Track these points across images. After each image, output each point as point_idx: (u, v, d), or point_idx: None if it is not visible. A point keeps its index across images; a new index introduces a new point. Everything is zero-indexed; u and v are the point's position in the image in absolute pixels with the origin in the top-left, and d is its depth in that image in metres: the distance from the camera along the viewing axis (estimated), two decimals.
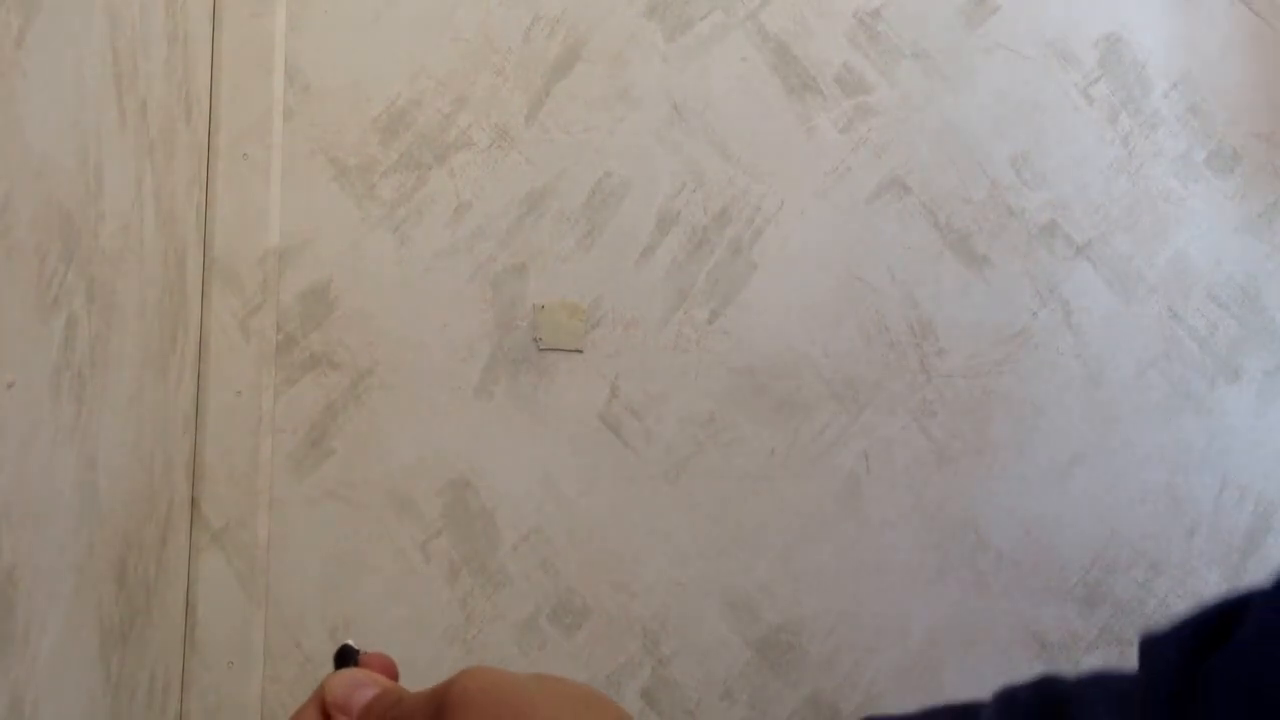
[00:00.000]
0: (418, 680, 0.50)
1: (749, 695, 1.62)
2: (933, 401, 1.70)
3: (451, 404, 1.62)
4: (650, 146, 1.67)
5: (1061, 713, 0.40)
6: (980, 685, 1.57)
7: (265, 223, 1.59)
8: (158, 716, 1.40)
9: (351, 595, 1.58)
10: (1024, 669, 1.67)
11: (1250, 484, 1.78)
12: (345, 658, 0.52)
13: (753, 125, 1.70)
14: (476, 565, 1.60)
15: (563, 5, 1.67)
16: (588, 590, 1.61)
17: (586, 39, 1.67)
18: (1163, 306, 1.76)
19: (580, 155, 1.66)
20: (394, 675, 0.51)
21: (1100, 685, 0.40)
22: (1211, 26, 1.83)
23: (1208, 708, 0.35)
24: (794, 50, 1.72)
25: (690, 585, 1.64)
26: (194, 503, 1.53)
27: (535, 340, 1.62)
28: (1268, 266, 1.80)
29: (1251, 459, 1.78)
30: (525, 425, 1.62)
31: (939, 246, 1.72)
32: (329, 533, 1.59)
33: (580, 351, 1.63)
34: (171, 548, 1.45)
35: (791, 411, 1.67)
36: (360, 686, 0.48)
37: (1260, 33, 1.84)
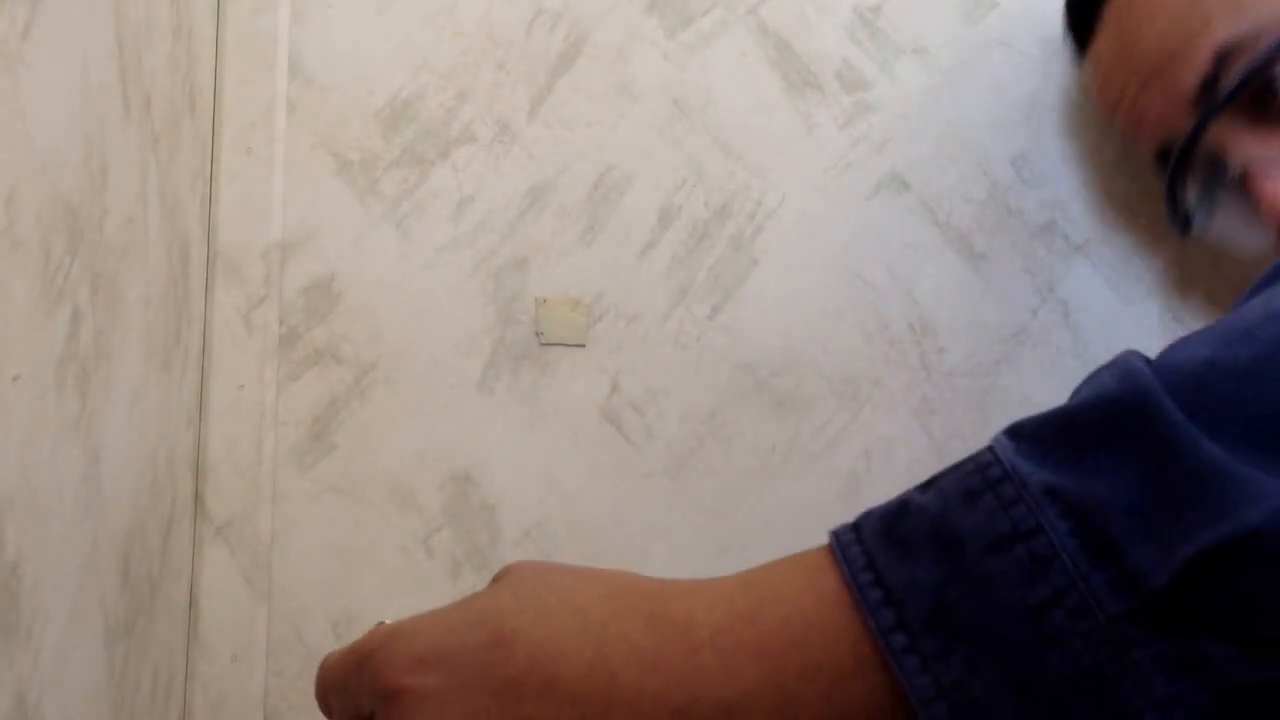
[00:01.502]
0: None
1: None
2: (932, 399, 1.71)
3: (453, 398, 1.62)
4: (651, 142, 1.68)
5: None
6: None
7: (268, 217, 1.59)
8: (161, 710, 1.41)
9: (354, 590, 1.59)
10: None
11: None
12: None
13: (753, 121, 1.71)
14: (478, 560, 1.61)
15: (565, 0, 1.67)
16: None
17: (588, 34, 1.68)
18: (1162, 307, 1.77)
19: (582, 150, 1.66)
20: None
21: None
22: None
23: (1160, 355, 0.46)
24: (794, 46, 1.72)
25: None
26: (197, 497, 1.53)
27: (537, 335, 1.63)
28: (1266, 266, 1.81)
29: None
30: (527, 420, 1.63)
31: (939, 244, 1.73)
32: (332, 527, 1.59)
33: (582, 346, 1.63)
34: (175, 542, 1.45)
35: (792, 408, 1.67)
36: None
37: None
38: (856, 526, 0.47)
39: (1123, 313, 1.80)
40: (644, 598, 0.48)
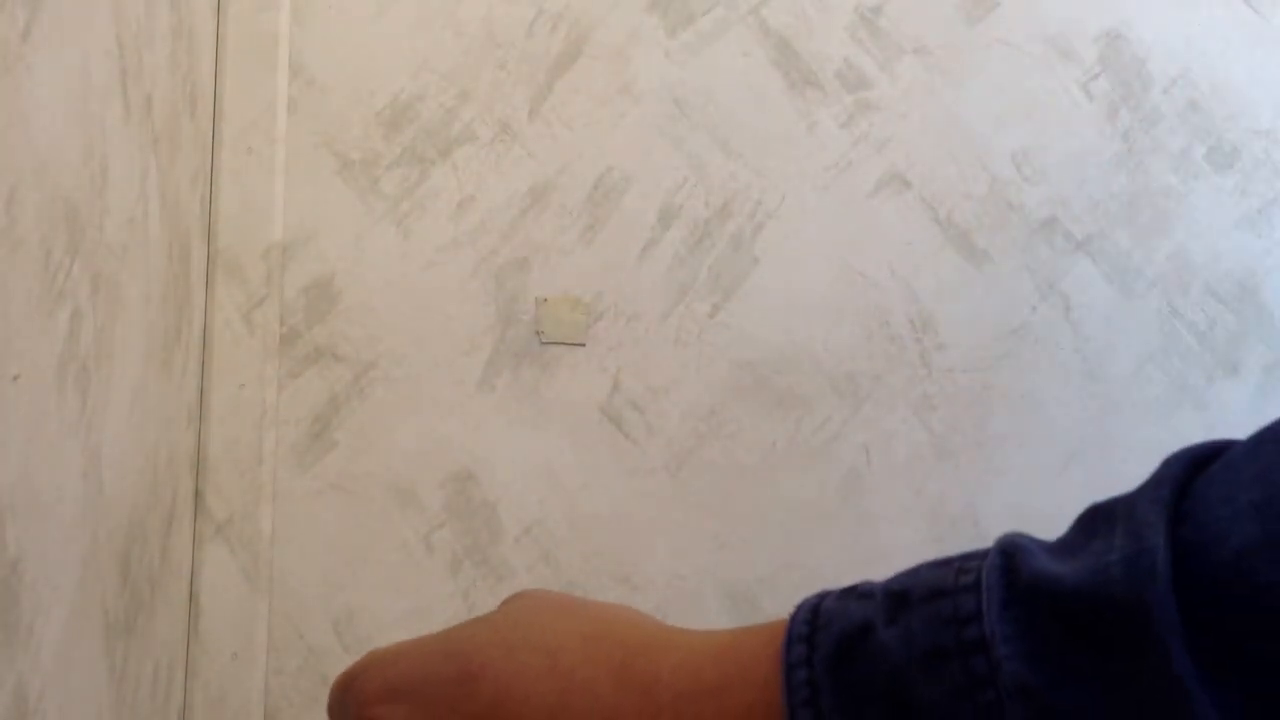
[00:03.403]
0: None
1: None
2: (933, 395, 1.71)
3: (454, 397, 1.62)
4: (652, 141, 1.68)
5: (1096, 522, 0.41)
6: None
7: (269, 217, 1.59)
8: (161, 707, 1.41)
9: (354, 587, 1.59)
10: None
11: None
12: None
13: (754, 120, 1.71)
14: (479, 557, 1.61)
15: (565, 0, 1.68)
16: (589, 582, 1.62)
17: (589, 34, 1.68)
18: (1162, 302, 1.77)
19: (583, 150, 1.66)
20: None
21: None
22: (1211, 23, 1.84)
23: (1197, 501, 0.37)
24: (795, 45, 1.72)
25: (691, 578, 1.65)
26: (198, 495, 1.53)
27: (537, 334, 1.63)
28: (1266, 262, 1.81)
29: None
30: (527, 418, 1.63)
31: (939, 241, 1.73)
32: (332, 525, 1.59)
33: (582, 345, 1.64)
34: (175, 540, 1.46)
35: (792, 405, 1.67)
36: None
37: (1259, 29, 1.85)
38: (810, 640, 0.43)
39: (1124, 309, 1.80)
40: (618, 646, 0.47)
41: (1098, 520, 0.41)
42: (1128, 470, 1.76)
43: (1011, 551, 0.40)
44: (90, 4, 1.10)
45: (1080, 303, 1.74)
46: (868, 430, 1.68)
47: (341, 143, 1.63)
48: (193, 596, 1.52)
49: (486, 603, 1.62)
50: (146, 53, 1.27)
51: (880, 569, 1.82)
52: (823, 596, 0.44)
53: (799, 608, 0.44)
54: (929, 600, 0.40)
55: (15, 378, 0.95)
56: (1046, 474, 1.74)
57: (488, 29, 1.66)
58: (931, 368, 1.71)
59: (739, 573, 1.66)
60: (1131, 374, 1.75)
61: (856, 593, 0.44)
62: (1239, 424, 1.80)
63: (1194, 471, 0.39)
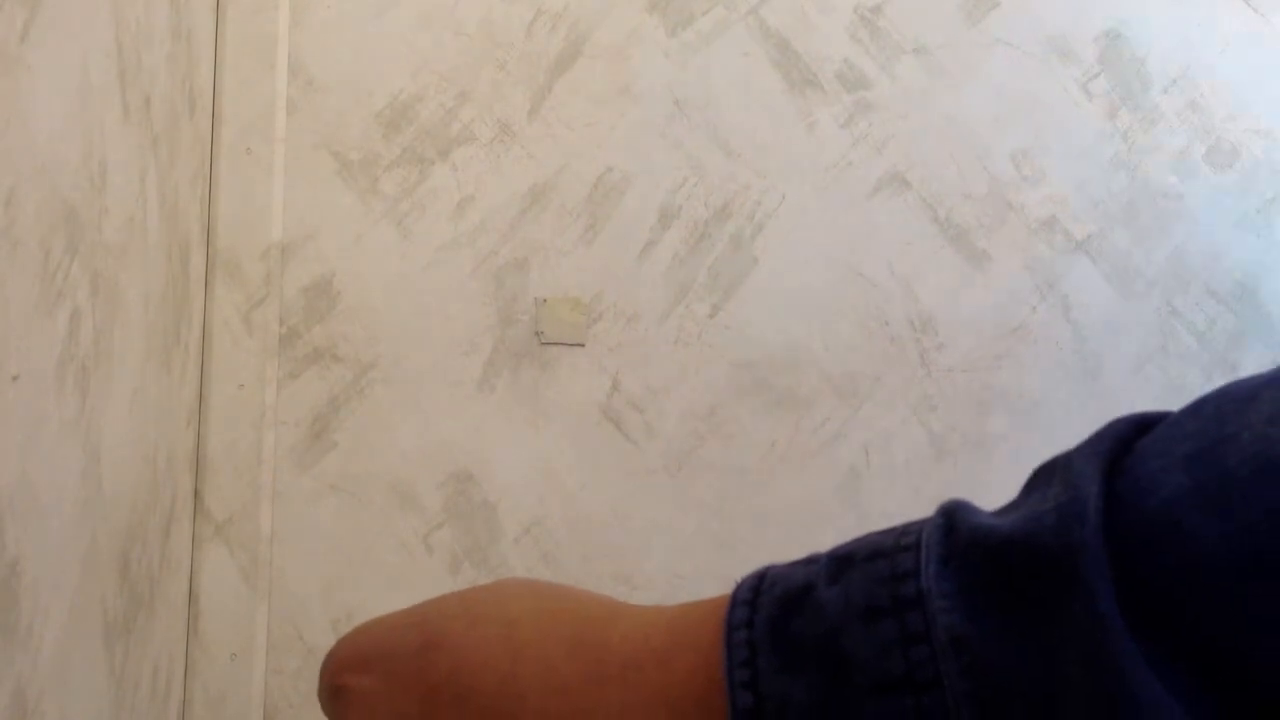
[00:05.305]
0: None
1: None
2: (932, 395, 1.71)
3: (454, 397, 1.62)
4: (652, 141, 1.68)
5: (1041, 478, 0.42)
6: None
7: (268, 217, 1.59)
8: (160, 708, 1.41)
9: (354, 587, 1.59)
10: None
11: None
12: None
13: (754, 120, 1.71)
14: (479, 557, 1.61)
15: (565, 1, 1.68)
16: (589, 583, 1.62)
17: (588, 34, 1.68)
18: (1161, 301, 1.77)
19: (582, 150, 1.66)
20: None
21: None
22: (1210, 23, 1.84)
23: (1136, 456, 0.37)
24: (795, 46, 1.72)
25: (690, 578, 1.65)
26: (197, 495, 1.53)
27: (537, 334, 1.63)
28: (1265, 262, 1.81)
29: None
30: (527, 418, 1.63)
31: (939, 241, 1.73)
32: (331, 525, 1.59)
33: (582, 345, 1.64)
34: (174, 540, 1.46)
35: (792, 405, 1.67)
36: None
37: (1258, 29, 1.84)
38: (754, 603, 0.43)
39: (1123, 308, 1.80)
40: (574, 619, 0.47)
41: (1040, 477, 0.41)
42: None
43: (952, 511, 0.40)
44: (90, 4, 1.10)
45: (1080, 303, 1.74)
46: (867, 430, 1.68)
47: (341, 143, 1.63)
48: (192, 597, 1.52)
49: None
50: (145, 53, 1.27)
51: None
52: (772, 565, 0.45)
53: (747, 575, 0.44)
54: (869, 560, 0.40)
55: (15, 378, 0.95)
56: None
57: (487, 29, 1.66)
58: (931, 368, 1.71)
59: (739, 573, 1.65)
60: (1131, 374, 1.75)
61: (804, 560, 0.44)
62: None
63: (1140, 432, 0.39)
